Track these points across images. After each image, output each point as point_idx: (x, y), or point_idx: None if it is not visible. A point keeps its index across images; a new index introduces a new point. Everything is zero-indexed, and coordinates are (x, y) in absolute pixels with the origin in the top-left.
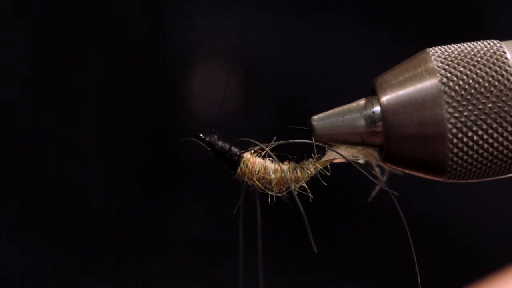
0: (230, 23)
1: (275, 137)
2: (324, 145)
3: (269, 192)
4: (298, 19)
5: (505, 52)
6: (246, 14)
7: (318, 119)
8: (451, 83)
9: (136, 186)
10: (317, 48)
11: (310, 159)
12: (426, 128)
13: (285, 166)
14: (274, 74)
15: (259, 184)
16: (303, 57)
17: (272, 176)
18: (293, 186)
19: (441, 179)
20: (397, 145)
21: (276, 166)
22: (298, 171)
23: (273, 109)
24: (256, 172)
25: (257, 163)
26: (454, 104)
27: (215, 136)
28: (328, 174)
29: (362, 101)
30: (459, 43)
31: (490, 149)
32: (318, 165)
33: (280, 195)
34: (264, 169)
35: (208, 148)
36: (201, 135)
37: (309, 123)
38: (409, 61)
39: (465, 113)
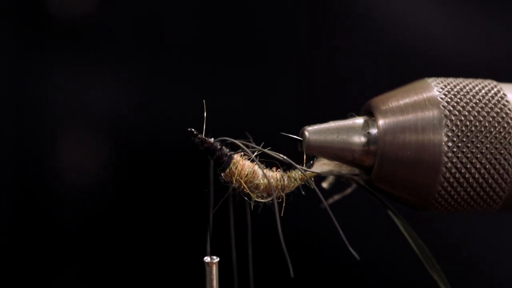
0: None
1: (262, 142)
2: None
3: (253, 197)
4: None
5: (505, 95)
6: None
7: (312, 132)
8: (453, 116)
9: None
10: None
11: (298, 170)
12: (423, 152)
13: (273, 173)
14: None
15: (246, 187)
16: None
17: (261, 181)
18: (276, 195)
19: (424, 206)
20: (391, 167)
21: (266, 172)
22: (285, 179)
23: None
24: (245, 175)
25: (246, 166)
26: (453, 134)
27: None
28: (313, 187)
29: (358, 120)
30: (457, 77)
31: (480, 181)
32: (306, 176)
33: (264, 201)
34: (253, 173)
35: (199, 145)
36: (194, 130)
37: (302, 134)
38: (409, 87)
39: (462, 144)
